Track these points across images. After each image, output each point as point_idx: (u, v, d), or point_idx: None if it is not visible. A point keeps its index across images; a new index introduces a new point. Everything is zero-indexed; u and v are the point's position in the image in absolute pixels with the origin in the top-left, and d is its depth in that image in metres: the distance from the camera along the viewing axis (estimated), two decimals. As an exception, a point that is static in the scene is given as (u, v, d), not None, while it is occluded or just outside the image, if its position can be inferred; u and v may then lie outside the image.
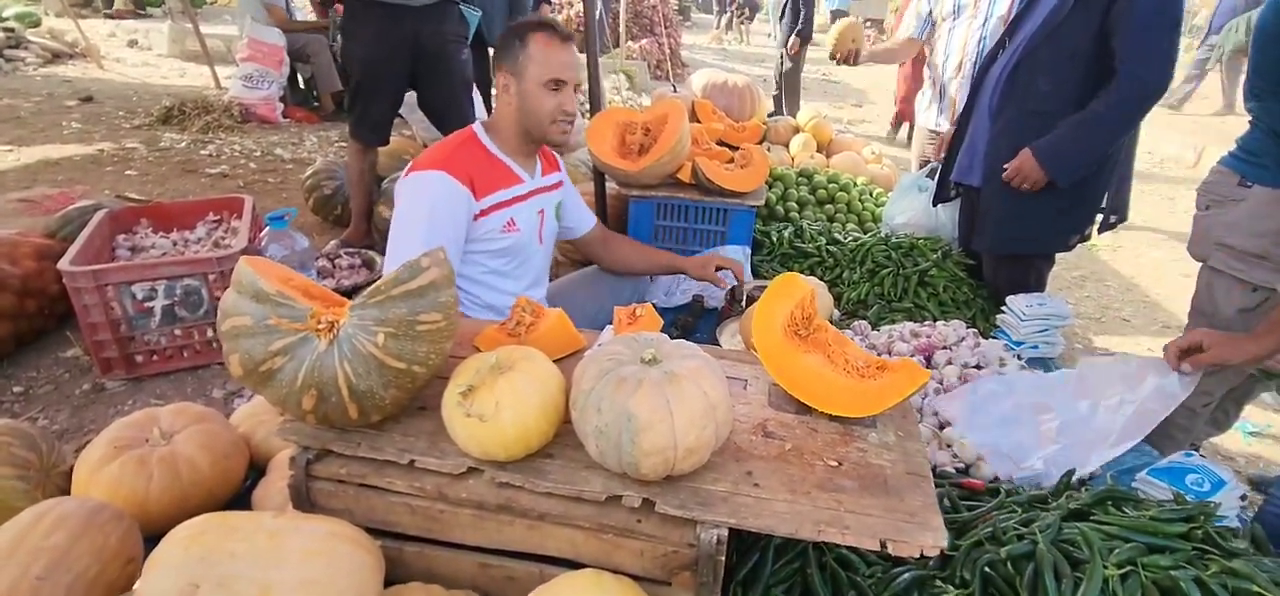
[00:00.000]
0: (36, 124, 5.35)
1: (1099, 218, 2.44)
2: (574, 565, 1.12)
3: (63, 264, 2.19)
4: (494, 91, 1.93)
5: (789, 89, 7.72)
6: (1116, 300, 4.25)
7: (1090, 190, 2.35)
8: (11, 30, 7.37)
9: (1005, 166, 2.31)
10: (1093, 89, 2.18)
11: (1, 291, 2.34)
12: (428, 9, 3.14)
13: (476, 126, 1.94)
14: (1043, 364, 2.27)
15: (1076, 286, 4.37)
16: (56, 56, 7.53)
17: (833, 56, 3.54)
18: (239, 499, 1.53)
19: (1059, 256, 2.62)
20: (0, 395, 2.27)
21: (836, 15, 16.40)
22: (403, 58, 3.20)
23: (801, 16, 7.26)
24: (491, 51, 2.34)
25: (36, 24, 7.81)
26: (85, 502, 1.10)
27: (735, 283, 2.27)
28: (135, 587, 0.92)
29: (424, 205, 1.75)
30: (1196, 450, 2.45)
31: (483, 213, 1.85)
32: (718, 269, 2.24)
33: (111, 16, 9.29)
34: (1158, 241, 5.24)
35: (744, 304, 2.26)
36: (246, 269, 1.08)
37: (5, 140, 4.88)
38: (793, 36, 7.34)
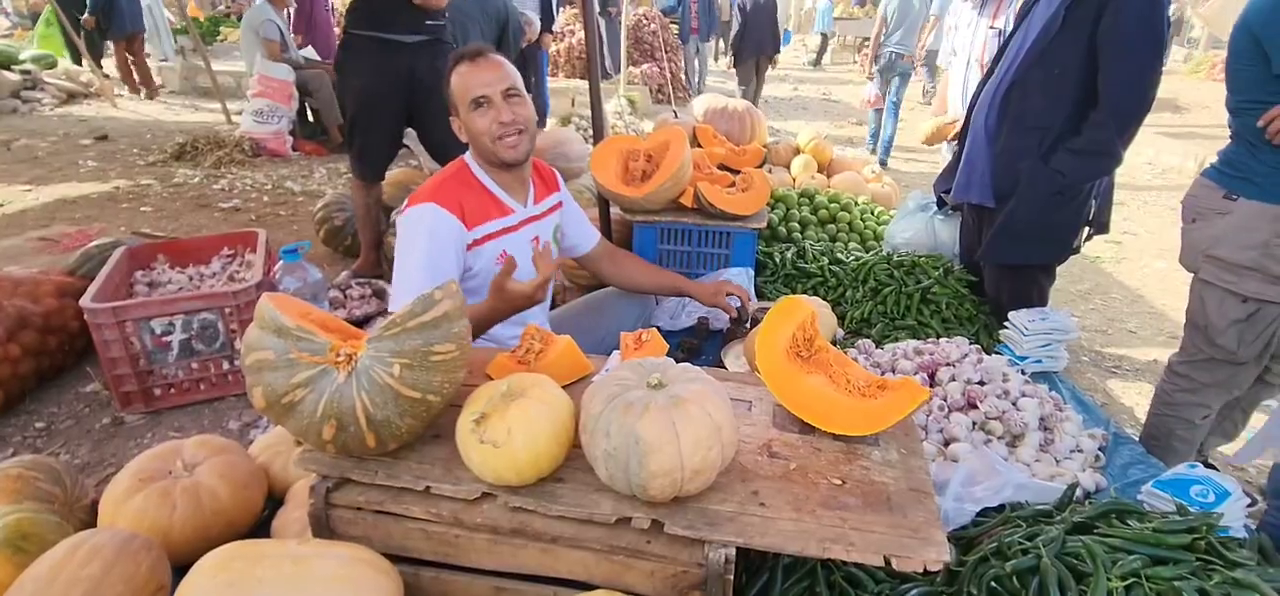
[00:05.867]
0: (53, 163, 5.48)
1: (1085, 230, 2.47)
2: (587, 587, 1.15)
3: (84, 301, 2.25)
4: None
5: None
6: (1122, 312, 4.26)
7: (1086, 200, 2.39)
8: (28, 73, 7.57)
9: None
10: (1086, 102, 2.23)
11: (25, 329, 2.40)
12: (422, 45, 3.17)
13: (468, 157, 1.95)
14: (1047, 378, 2.29)
15: (1082, 299, 4.39)
16: (72, 96, 7.71)
17: (925, 143, 3.75)
18: (258, 528, 1.56)
19: (1064, 270, 2.65)
20: (24, 430, 2.32)
21: (825, 37, 16.63)
22: (398, 93, 3.22)
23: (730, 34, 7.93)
24: None
25: (52, 66, 8.01)
26: (117, 533, 1.14)
27: (740, 305, 2.30)
28: (165, 615, 0.96)
29: (420, 240, 1.79)
30: (1206, 461, 2.46)
31: (475, 243, 1.88)
32: (728, 295, 2.25)
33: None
34: (1162, 252, 5.25)
35: (749, 325, 2.30)
36: (268, 305, 1.12)
37: (24, 180, 5.01)
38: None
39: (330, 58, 5.87)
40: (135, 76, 8.25)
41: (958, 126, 3.68)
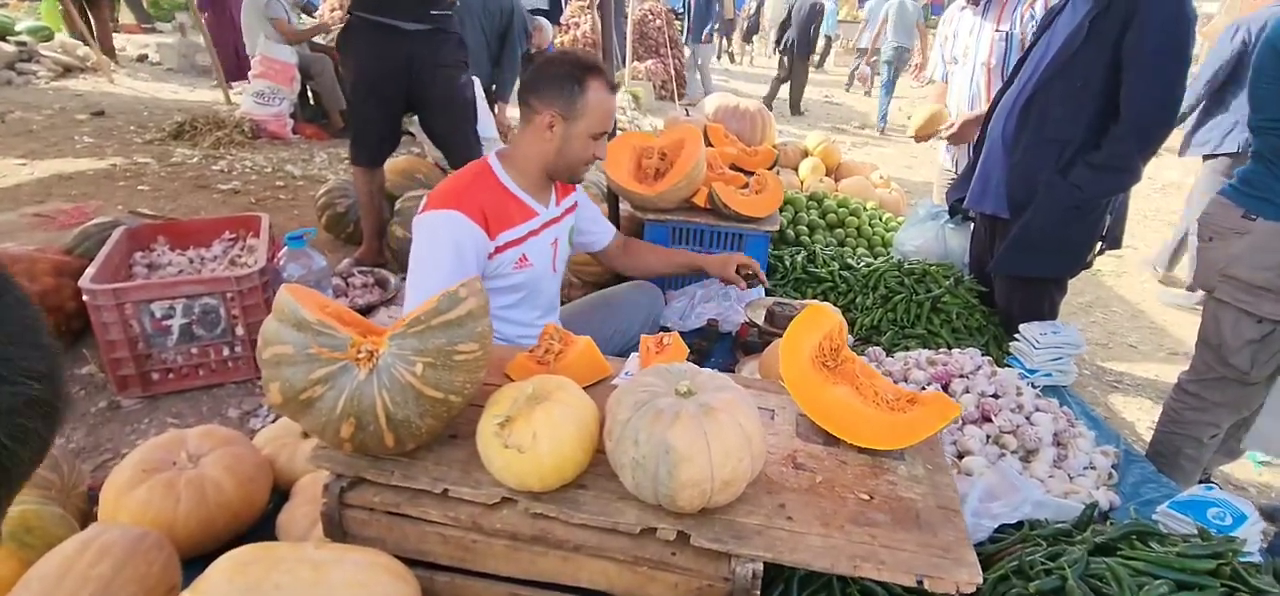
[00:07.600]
0: (49, 137, 5.38)
1: (1099, 245, 2.45)
2: (608, 597, 1.12)
3: (83, 282, 2.20)
4: (496, 117, 1.96)
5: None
6: (1123, 326, 4.27)
7: (1102, 214, 2.37)
8: (24, 44, 7.42)
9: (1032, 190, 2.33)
10: (1106, 115, 2.21)
11: (20, 308, 2.34)
12: (422, 34, 3.10)
13: (492, 158, 1.91)
14: (1056, 392, 2.28)
15: (1083, 312, 4.39)
16: (68, 70, 7.57)
17: (916, 138, 3.43)
18: (263, 522, 1.53)
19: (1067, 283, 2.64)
20: (17, 412, 2.27)
21: (829, 40, 16.78)
22: (397, 79, 3.15)
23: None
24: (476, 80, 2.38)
25: (49, 38, 7.85)
26: (128, 531, 1.10)
27: (757, 286, 2.37)
28: (175, 616, 0.92)
29: (442, 246, 1.74)
30: (1210, 480, 2.46)
31: (497, 251, 1.84)
32: (739, 269, 2.31)
33: (120, 31, 9.38)
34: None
35: (761, 333, 2.28)
36: (288, 298, 1.09)
37: (18, 154, 4.91)
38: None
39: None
40: (95, 31, 8.04)
41: (950, 121, 3.51)
